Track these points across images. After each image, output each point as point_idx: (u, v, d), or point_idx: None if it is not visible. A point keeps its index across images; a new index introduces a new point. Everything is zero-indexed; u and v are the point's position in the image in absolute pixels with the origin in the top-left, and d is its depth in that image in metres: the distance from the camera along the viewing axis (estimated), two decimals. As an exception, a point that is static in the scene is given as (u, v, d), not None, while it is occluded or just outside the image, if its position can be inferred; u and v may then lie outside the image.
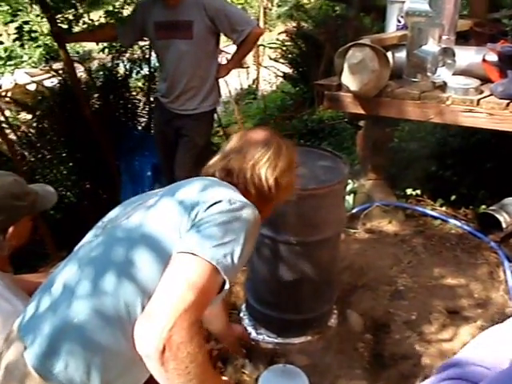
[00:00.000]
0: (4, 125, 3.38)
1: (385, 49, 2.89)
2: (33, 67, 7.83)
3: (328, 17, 6.28)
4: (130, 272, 1.18)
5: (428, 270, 2.83)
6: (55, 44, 3.44)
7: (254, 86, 7.67)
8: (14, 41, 3.36)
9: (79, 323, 1.15)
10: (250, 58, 7.44)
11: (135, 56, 4.17)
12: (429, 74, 2.83)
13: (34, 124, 3.92)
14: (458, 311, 2.53)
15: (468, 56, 2.91)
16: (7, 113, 4.15)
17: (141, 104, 4.27)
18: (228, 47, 6.10)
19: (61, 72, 3.84)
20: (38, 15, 3.91)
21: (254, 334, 2.34)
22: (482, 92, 2.75)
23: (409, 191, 3.46)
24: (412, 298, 2.63)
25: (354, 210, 3.38)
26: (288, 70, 6.87)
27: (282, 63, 6.90)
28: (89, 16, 3.57)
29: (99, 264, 1.23)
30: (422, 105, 2.84)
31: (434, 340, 2.35)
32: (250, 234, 1.22)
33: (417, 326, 2.44)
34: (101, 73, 4.09)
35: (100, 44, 3.89)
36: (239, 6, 8.17)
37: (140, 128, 4.25)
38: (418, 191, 3.46)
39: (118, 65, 4.10)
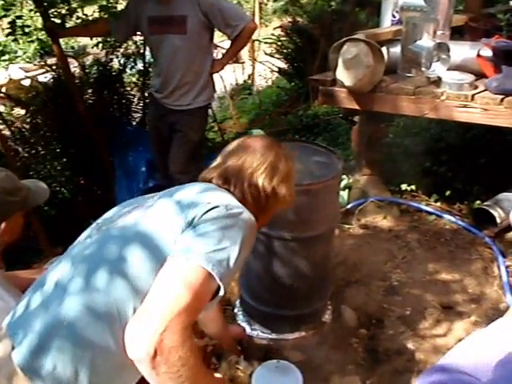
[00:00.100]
0: (-2, 120, 3.38)
1: (379, 44, 2.89)
2: (27, 62, 7.77)
3: (323, 12, 6.27)
4: (122, 269, 1.18)
5: (422, 266, 2.84)
6: (50, 39, 3.42)
7: (250, 81, 7.65)
8: (7, 35, 3.35)
9: (70, 320, 1.14)
10: (245, 53, 7.43)
11: (129, 51, 4.17)
12: (423, 69, 2.83)
13: (28, 119, 3.91)
14: (452, 306, 2.53)
15: (463, 51, 2.91)
16: (1, 108, 4.14)
17: (135, 99, 4.26)
18: (223, 42, 6.10)
19: (54, 67, 3.82)
20: (31, 10, 3.90)
21: (248, 330, 2.34)
22: (476, 87, 2.75)
23: (403, 186, 3.46)
24: (406, 294, 2.63)
25: (348, 206, 3.38)
26: (283, 65, 6.88)
27: (278, 58, 6.90)
28: (82, 11, 3.55)
29: (92, 261, 1.22)
30: (417, 100, 2.83)
31: (428, 335, 2.36)
32: (247, 241, 1.22)
33: (411, 321, 2.44)
34: (95, 68, 4.07)
35: (94, 39, 3.86)
36: (234, 1, 8.16)
37: (134, 123, 4.25)
38: (413, 186, 3.46)
39: (112, 60, 4.09)
